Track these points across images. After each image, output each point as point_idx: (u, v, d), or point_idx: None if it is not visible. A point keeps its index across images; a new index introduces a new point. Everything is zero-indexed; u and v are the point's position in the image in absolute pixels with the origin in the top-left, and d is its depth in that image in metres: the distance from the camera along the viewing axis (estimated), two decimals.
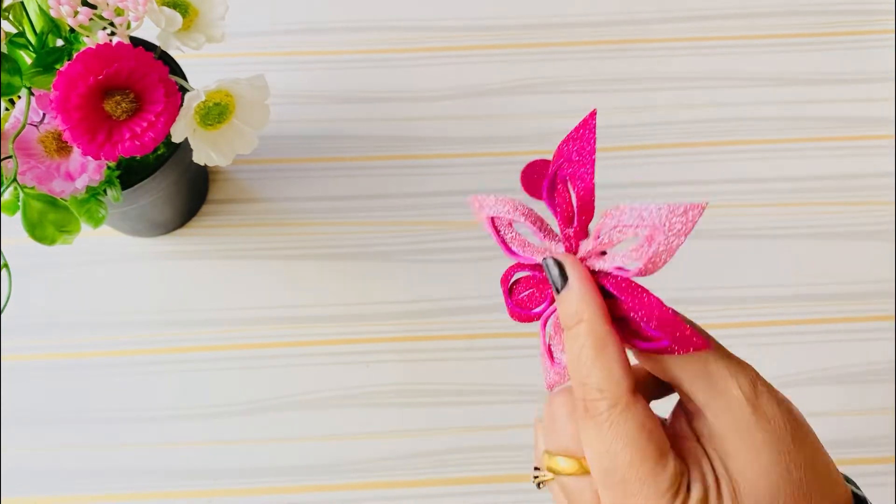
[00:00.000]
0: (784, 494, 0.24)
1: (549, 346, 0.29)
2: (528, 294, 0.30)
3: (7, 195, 0.40)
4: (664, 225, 0.24)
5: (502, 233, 0.29)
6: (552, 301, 0.28)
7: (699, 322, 0.39)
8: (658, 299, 0.25)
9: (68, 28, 0.39)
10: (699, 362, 0.25)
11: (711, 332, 0.39)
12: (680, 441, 0.26)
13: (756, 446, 0.24)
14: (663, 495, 0.24)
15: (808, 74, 0.60)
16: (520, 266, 0.30)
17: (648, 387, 0.29)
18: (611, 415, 0.25)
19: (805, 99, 0.59)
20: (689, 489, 0.24)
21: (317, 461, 0.49)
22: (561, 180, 0.28)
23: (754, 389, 0.25)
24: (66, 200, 0.41)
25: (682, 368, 0.26)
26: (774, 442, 0.24)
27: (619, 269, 0.26)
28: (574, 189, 0.28)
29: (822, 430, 0.39)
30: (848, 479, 0.28)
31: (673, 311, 0.25)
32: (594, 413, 0.25)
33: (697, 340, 0.25)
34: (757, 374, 0.26)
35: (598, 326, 0.25)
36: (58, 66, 0.38)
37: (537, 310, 0.29)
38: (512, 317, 0.29)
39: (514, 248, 0.29)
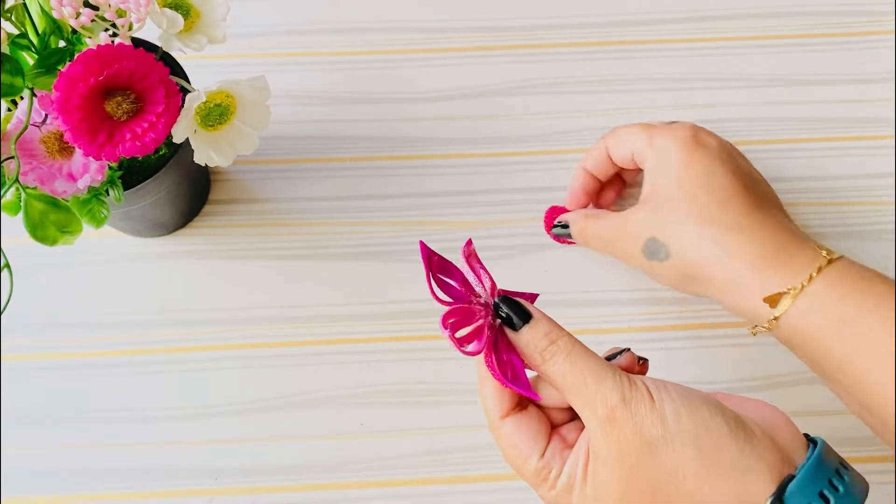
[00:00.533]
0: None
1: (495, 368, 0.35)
2: (465, 334, 0.35)
3: (9, 196, 0.40)
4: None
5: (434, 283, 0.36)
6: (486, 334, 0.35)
7: (706, 320, 0.44)
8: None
9: (70, 29, 0.39)
10: (576, 383, 0.33)
11: (714, 332, 0.44)
12: (569, 440, 0.35)
13: (608, 459, 0.32)
14: (534, 480, 0.35)
15: (808, 75, 0.60)
16: (450, 314, 0.35)
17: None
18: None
19: (805, 99, 0.59)
20: (558, 477, 0.34)
21: (317, 460, 0.50)
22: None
23: (611, 413, 0.32)
24: (67, 201, 0.41)
25: (563, 391, 0.34)
26: (622, 459, 0.31)
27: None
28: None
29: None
30: (809, 437, 0.33)
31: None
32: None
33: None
34: (621, 398, 0.32)
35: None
36: (60, 67, 0.38)
37: (471, 348, 0.34)
38: (466, 353, 0.35)
39: (443, 298, 0.35)
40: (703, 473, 0.30)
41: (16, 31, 0.40)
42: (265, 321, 0.53)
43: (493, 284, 0.36)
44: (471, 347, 0.34)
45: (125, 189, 0.44)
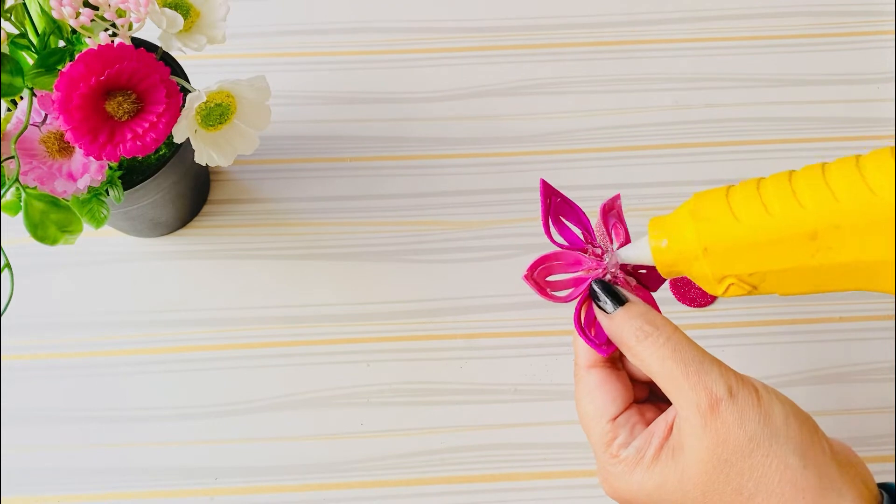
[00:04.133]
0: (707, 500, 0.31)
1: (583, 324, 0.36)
2: (556, 280, 0.36)
3: (9, 195, 0.40)
4: None
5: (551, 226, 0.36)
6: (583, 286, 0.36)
7: (706, 321, 0.44)
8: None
9: (70, 29, 0.39)
10: (676, 369, 0.32)
11: (714, 332, 0.43)
12: (646, 416, 0.34)
13: (699, 449, 0.31)
14: (597, 441, 0.34)
15: (808, 75, 0.60)
16: (555, 256, 0.36)
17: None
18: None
19: (805, 100, 0.59)
20: (623, 448, 0.33)
21: (317, 460, 0.50)
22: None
23: (715, 404, 0.30)
24: (67, 201, 0.41)
25: (657, 374, 0.32)
26: (716, 451, 0.30)
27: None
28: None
29: (822, 429, 0.39)
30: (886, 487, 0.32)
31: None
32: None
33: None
34: (728, 390, 0.31)
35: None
36: (60, 67, 0.38)
37: (562, 293, 0.35)
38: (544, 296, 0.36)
39: (556, 238, 0.36)
40: (800, 485, 0.30)
41: (16, 31, 0.40)
42: (265, 321, 0.53)
43: (625, 242, 0.36)
44: (562, 293, 0.35)
45: (125, 189, 0.44)
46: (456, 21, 0.62)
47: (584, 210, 0.37)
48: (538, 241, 0.55)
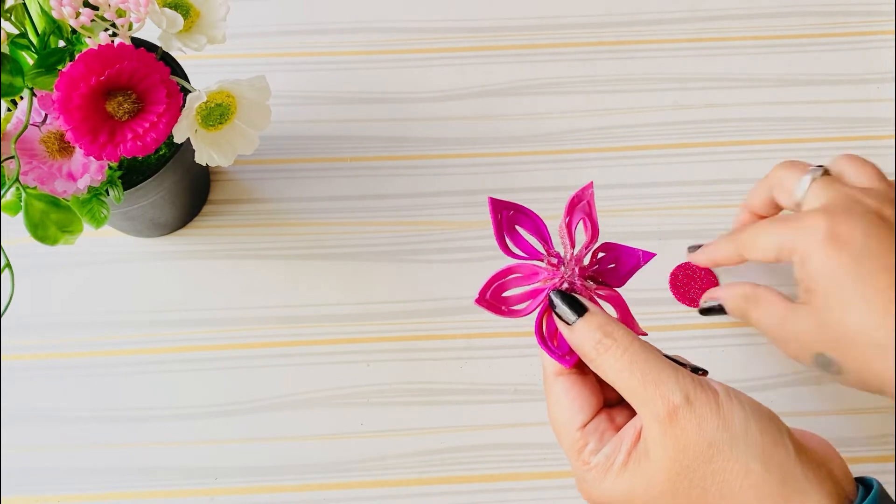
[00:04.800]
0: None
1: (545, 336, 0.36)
2: (513, 294, 0.36)
3: (9, 195, 0.40)
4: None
5: (504, 233, 0.36)
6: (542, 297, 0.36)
7: (705, 321, 0.46)
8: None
9: (70, 29, 0.39)
10: (632, 380, 0.33)
11: (714, 332, 0.44)
12: (617, 421, 0.35)
13: (662, 457, 0.31)
14: (568, 448, 0.34)
15: (808, 75, 0.60)
16: (508, 271, 0.36)
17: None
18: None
19: (805, 100, 0.59)
20: (593, 454, 0.33)
21: (317, 460, 0.50)
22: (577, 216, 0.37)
23: (672, 412, 0.31)
24: (68, 200, 0.41)
25: (617, 385, 0.33)
26: (677, 458, 0.31)
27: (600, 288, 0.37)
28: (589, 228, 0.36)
29: (818, 429, 0.39)
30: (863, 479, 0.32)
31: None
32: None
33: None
34: (685, 398, 0.31)
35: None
36: (60, 67, 0.38)
37: (520, 307, 0.36)
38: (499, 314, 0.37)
39: (513, 250, 0.36)
40: (764, 489, 0.30)
41: (16, 31, 0.40)
42: (265, 321, 0.53)
43: (591, 239, 0.36)
44: (520, 307, 0.35)
45: (125, 189, 0.44)
46: (456, 21, 0.62)
47: (541, 217, 0.36)
48: None
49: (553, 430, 0.36)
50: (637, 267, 0.37)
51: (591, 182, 0.37)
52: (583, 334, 0.34)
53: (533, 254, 0.36)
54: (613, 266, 0.37)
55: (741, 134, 0.58)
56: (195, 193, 0.54)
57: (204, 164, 0.42)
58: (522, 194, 0.56)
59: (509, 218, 0.36)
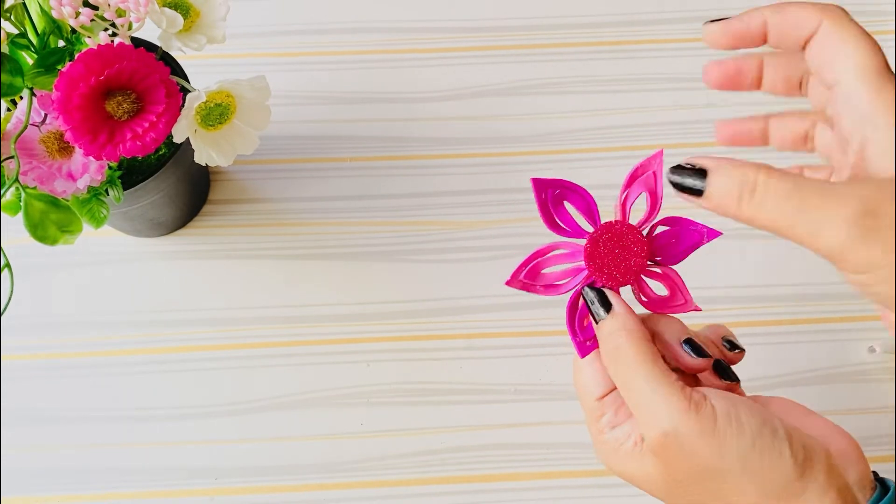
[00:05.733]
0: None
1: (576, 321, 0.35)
2: (553, 272, 0.35)
3: (9, 195, 0.40)
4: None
5: (550, 208, 0.34)
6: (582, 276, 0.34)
7: (706, 320, 0.44)
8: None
9: (70, 29, 0.39)
10: (630, 398, 0.32)
11: None
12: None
13: (655, 472, 0.32)
14: (588, 414, 0.34)
15: None
16: (550, 248, 0.35)
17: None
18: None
19: (805, 99, 0.59)
20: (610, 429, 0.33)
21: (317, 460, 0.50)
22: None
23: (662, 440, 0.30)
24: (67, 200, 0.41)
25: (621, 393, 0.33)
26: (668, 477, 0.31)
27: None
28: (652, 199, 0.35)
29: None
30: (878, 477, 0.32)
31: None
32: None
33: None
34: (673, 427, 0.30)
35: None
36: (59, 67, 0.38)
37: (560, 282, 0.35)
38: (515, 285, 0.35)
39: (561, 226, 0.34)
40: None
41: (16, 31, 0.40)
42: (265, 321, 0.53)
43: (649, 214, 0.34)
44: (561, 282, 0.34)
45: (125, 189, 0.44)
46: (456, 21, 0.62)
47: (590, 193, 0.35)
48: (538, 241, 0.55)
49: (577, 397, 0.36)
50: (698, 244, 0.35)
51: (661, 150, 0.34)
52: (602, 335, 0.33)
53: (580, 232, 0.34)
54: (674, 241, 0.35)
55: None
56: (195, 193, 0.54)
57: (203, 164, 0.42)
58: (522, 194, 0.56)
59: (555, 196, 0.34)
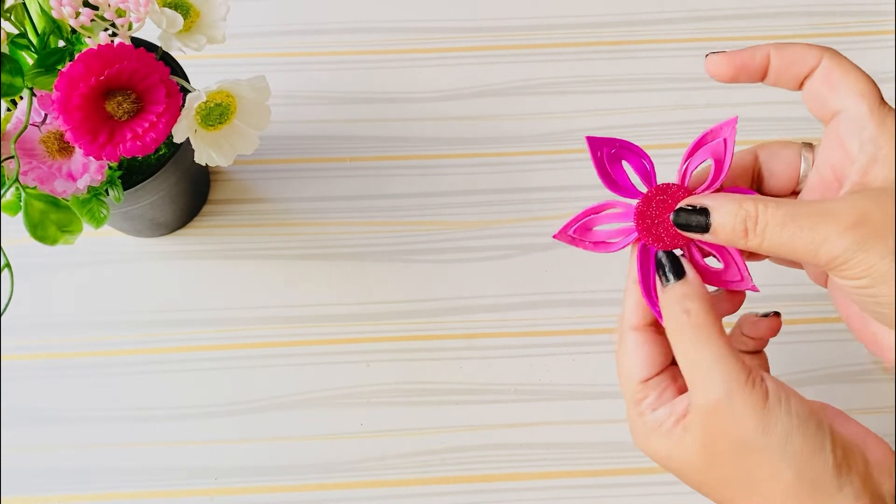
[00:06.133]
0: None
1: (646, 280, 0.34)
2: (604, 230, 0.35)
3: (9, 195, 0.40)
4: None
5: (607, 165, 0.34)
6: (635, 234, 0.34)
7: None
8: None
9: (70, 29, 0.39)
10: (685, 364, 0.33)
11: None
12: (679, 382, 0.34)
13: (696, 441, 0.32)
14: (629, 398, 0.35)
15: None
16: (608, 205, 0.34)
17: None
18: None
19: None
20: (651, 412, 0.34)
21: (317, 460, 0.50)
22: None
23: (714, 406, 0.31)
24: (67, 200, 0.41)
25: (678, 359, 0.33)
26: (708, 446, 0.32)
27: None
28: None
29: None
30: None
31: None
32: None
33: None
34: (727, 393, 0.31)
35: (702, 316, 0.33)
36: (59, 67, 0.38)
37: (612, 240, 0.34)
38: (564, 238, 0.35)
39: (616, 182, 0.34)
40: (791, 494, 0.30)
41: (16, 31, 0.40)
42: (265, 321, 0.53)
43: (711, 182, 0.33)
44: (614, 241, 0.34)
45: (125, 189, 0.44)
46: (456, 21, 0.62)
47: (649, 155, 0.34)
48: (538, 242, 0.55)
49: (618, 378, 0.36)
50: None
51: (735, 118, 0.34)
52: (671, 298, 0.33)
53: (637, 192, 0.34)
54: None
55: (741, 134, 0.58)
56: (195, 193, 0.54)
57: (204, 164, 0.42)
58: (522, 194, 0.56)
59: (611, 154, 0.34)
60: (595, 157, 0.34)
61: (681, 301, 0.33)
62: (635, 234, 0.34)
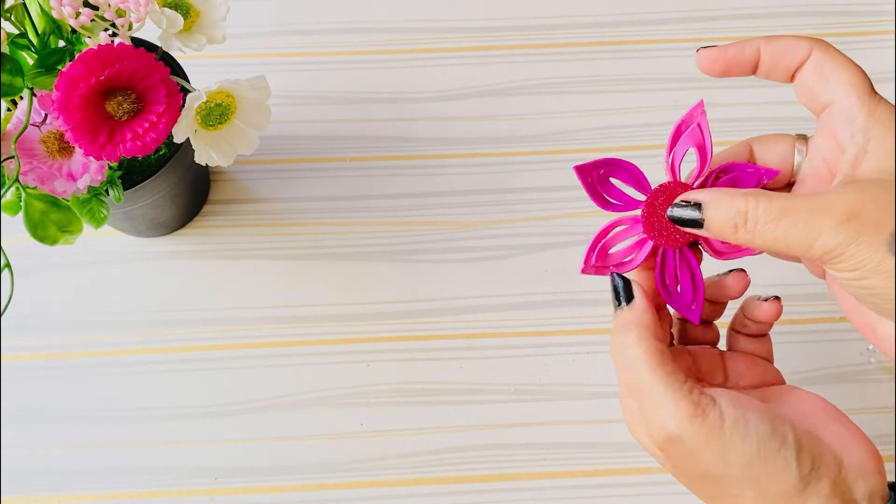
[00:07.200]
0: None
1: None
2: (619, 250, 0.35)
3: (9, 195, 0.40)
4: None
5: (598, 188, 0.34)
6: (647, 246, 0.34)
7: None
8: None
9: (70, 29, 0.39)
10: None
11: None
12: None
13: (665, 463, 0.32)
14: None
15: None
16: (607, 230, 0.34)
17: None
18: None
19: None
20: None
21: (317, 460, 0.50)
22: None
23: (664, 442, 0.31)
24: (67, 200, 0.41)
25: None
26: (678, 473, 0.32)
27: None
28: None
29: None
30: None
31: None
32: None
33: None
34: (677, 430, 0.30)
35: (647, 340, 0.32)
36: (59, 67, 0.38)
37: (628, 259, 0.34)
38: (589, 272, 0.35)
39: (613, 203, 0.34)
40: None
41: (16, 31, 0.40)
42: (265, 321, 0.53)
43: (700, 169, 0.33)
44: (629, 258, 0.34)
45: (125, 189, 0.44)
46: (456, 21, 0.62)
47: (636, 165, 0.34)
48: (538, 242, 0.55)
49: (614, 364, 0.36)
50: (758, 186, 0.34)
51: (702, 100, 0.34)
52: (615, 325, 0.33)
53: (634, 203, 0.34)
54: (734, 187, 0.33)
55: (741, 134, 0.58)
56: (195, 193, 0.54)
57: (204, 164, 0.42)
58: (522, 194, 0.56)
59: (600, 176, 0.34)
60: (586, 183, 0.34)
61: (621, 330, 0.32)
62: (650, 244, 0.34)
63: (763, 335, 0.37)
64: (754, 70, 0.35)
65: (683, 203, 0.32)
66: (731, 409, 0.30)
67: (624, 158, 0.34)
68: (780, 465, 0.30)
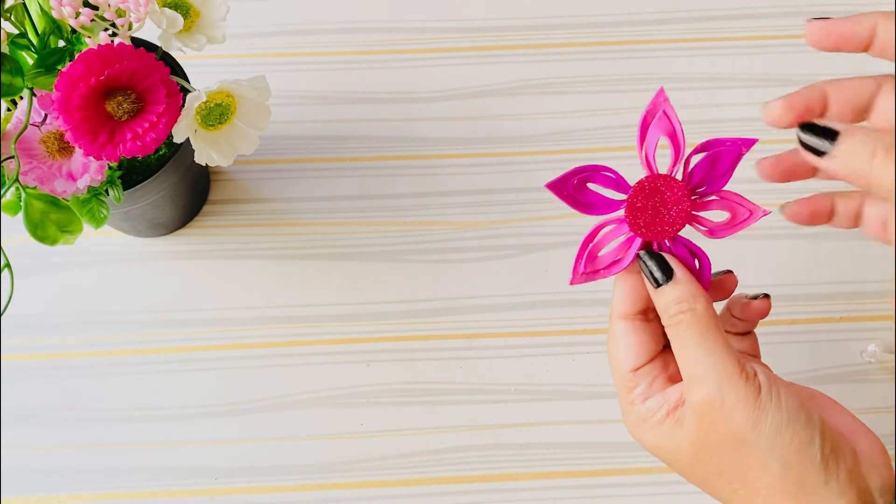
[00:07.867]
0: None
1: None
2: (608, 252, 0.34)
3: (9, 195, 0.40)
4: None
5: (577, 196, 0.34)
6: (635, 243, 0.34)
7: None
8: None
9: (70, 29, 0.39)
10: (682, 360, 0.33)
11: None
12: (670, 370, 0.35)
13: (689, 433, 0.33)
14: (620, 386, 0.35)
15: (808, 75, 0.60)
16: (594, 233, 0.34)
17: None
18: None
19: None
20: (642, 401, 0.34)
21: (317, 460, 0.50)
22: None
23: (708, 402, 0.31)
24: (67, 200, 0.41)
25: (674, 353, 0.34)
26: (702, 440, 0.32)
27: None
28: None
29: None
30: None
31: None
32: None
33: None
34: (719, 391, 0.31)
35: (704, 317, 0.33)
36: (59, 67, 0.38)
37: (620, 256, 0.34)
38: (578, 281, 0.35)
39: (593, 206, 0.34)
40: (777, 488, 0.31)
41: (16, 31, 0.40)
42: (265, 321, 0.53)
43: (675, 157, 0.33)
44: (617, 266, 0.34)
45: (125, 189, 0.44)
46: (456, 21, 0.62)
47: (610, 167, 0.34)
48: (538, 242, 0.55)
49: (610, 367, 0.36)
50: (739, 158, 0.34)
51: (661, 88, 0.34)
52: (667, 300, 0.33)
53: (615, 203, 0.34)
54: (713, 166, 0.34)
55: (741, 134, 0.58)
56: (195, 193, 0.54)
57: (204, 164, 0.42)
58: (522, 194, 0.56)
59: (575, 186, 0.34)
60: (563, 196, 0.34)
61: (679, 303, 0.33)
62: (638, 241, 0.34)
63: (749, 333, 0.38)
64: (867, 47, 0.35)
65: (818, 128, 0.31)
66: (766, 379, 0.32)
67: (593, 164, 0.34)
68: (805, 440, 0.31)
